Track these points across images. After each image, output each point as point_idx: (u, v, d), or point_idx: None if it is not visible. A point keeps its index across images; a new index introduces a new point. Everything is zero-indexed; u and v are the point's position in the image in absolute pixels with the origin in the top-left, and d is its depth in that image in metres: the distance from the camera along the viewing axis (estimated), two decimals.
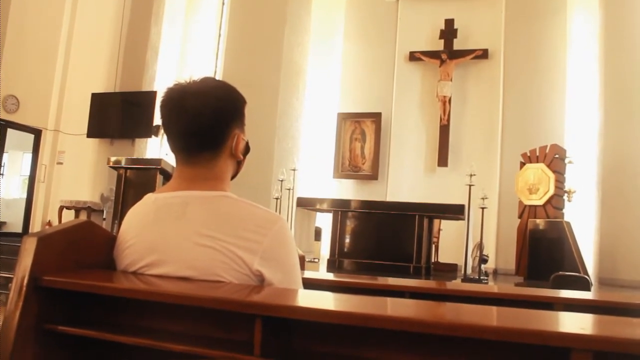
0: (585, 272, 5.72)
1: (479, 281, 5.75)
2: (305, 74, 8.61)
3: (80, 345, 1.14)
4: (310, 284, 1.45)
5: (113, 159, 5.87)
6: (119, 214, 5.58)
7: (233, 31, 8.31)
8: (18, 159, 10.87)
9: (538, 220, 6.29)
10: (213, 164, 1.21)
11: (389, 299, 1.21)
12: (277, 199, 6.82)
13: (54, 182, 8.74)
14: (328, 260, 6.68)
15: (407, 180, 8.94)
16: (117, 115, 8.29)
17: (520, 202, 6.59)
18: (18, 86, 8.19)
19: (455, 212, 6.33)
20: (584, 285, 4.59)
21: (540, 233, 6.22)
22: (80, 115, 8.38)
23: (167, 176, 5.51)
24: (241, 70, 7.67)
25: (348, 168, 9.35)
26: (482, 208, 6.02)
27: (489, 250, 7.62)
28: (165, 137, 1.26)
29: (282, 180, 6.90)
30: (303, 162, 8.49)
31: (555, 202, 6.31)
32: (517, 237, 6.53)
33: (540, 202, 6.33)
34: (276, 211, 5.48)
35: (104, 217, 7.55)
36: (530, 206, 6.43)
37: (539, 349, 0.82)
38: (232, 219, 1.15)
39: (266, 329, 0.94)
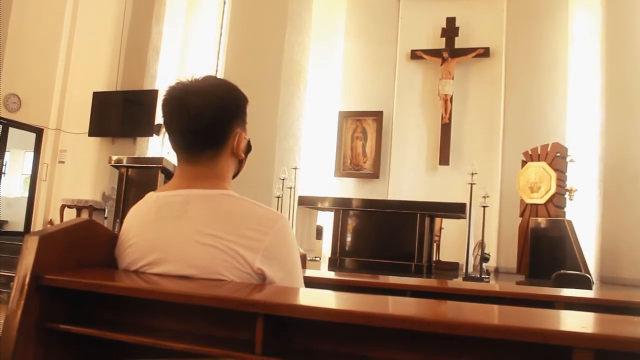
0: (587, 271, 5.72)
1: (480, 280, 5.75)
2: (306, 72, 8.60)
3: (82, 344, 1.14)
4: (312, 283, 1.44)
5: (114, 157, 5.86)
6: (121, 213, 5.58)
7: (234, 30, 8.30)
8: (20, 157, 10.90)
9: (539, 219, 6.29)
10: (214, 162, 1.21)
11: (390, 298, 1.21)
12: (278, 197, 6.83)
13: (55, 181, 8.75)
14: (329, 259, 6.69)
15: (408, 179, 8.94)
16: (118, 114, 8.29)
17: (522, 201, 6.59)
18: (19, 85, 8.20)
19: (456, 210, 6.34)
20: (586, 283, 4.57)
21: (541, 231, 6.22)
22: (81, 114, 8.38)
23: (168, 175, 5.50)
24: (242, 70, 7.66)
25: (349, 167, 9.35)
26: (484, 207, 6.02)
27: (491, 248, 7.63)
28: (166, 135, 1.26)
29: (283, 179, 6.91)
30: (304, 160, 8.49)
31: (557, 200, 6.31)
32: (519, 236, 6.53)
33: (542, 201, 6.32)
34: (278, 210, 5.49)
35: (105, 215, 7.56)
36: (531, 205, 6.43)
37: (540, 348, 0.82)
38: (234, 218, 1.15)
39: (267, 328, 0.94)
